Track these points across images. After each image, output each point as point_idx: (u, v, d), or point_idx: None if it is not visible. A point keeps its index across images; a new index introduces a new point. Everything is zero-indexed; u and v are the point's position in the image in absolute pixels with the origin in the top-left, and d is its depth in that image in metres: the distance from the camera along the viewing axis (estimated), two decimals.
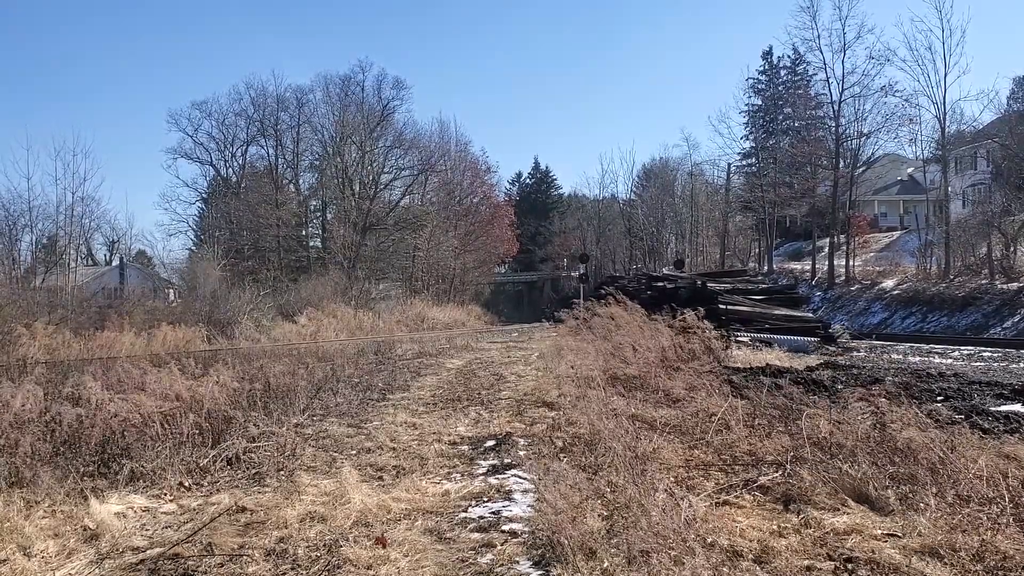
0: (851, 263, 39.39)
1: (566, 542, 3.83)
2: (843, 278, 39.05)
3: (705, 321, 14.74)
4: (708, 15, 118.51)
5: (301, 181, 57.23)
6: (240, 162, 56.18)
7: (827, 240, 42.41)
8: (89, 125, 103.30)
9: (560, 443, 6.73)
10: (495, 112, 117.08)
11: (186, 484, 5.74)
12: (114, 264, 49.40)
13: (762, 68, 62.51)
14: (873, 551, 3.78)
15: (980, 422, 7.00)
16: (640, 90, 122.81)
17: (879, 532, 4.08)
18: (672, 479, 5.28)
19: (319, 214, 57.45)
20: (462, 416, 8.82)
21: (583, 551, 3.78)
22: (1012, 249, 30.09)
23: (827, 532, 4.11)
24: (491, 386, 11.70)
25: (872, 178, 48.13)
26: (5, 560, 4.07)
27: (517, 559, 3.97)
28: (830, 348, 18.57)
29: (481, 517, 4.78)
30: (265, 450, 6.55)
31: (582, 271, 37.38)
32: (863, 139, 41.06)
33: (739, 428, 6.56)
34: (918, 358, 16.07)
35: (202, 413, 6.95)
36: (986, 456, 4.80)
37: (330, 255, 46.75)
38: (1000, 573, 3.51)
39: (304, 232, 55.67)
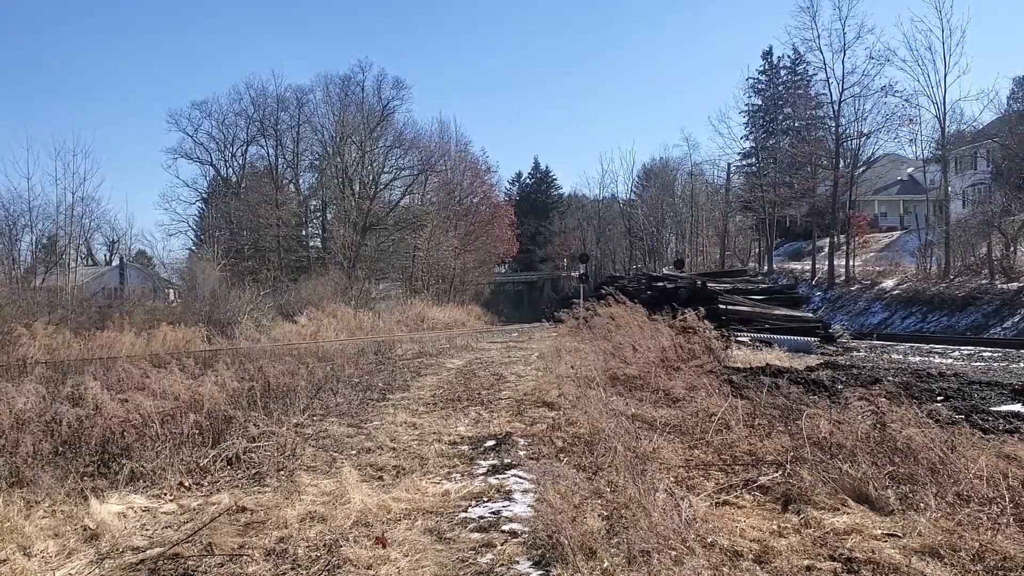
0: (851, 263, 39.39)
1: (566, 542, 3.83)
2: (843, 278, 39.05)
3: (705, 321, 14.74)
4: (708, 15, 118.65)
5: (301, 181, 57.29)
6: (240, 162, 56.19)
7: (827, 240, 42.40)
8: (89, 125, 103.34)
9: (560, 443, 6.74)
10: (495, 112, 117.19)
11: (186, 484, 5.74)
12: (114, 264, 49.38)
13: (762, 68, 62.57)
14: (873, 551, 3.78)
15: (980, 422, 7.00)
16: (640, 90, 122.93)
17: (879, 532, 4.08)
18: (672, 479, 5.28)
19: (319, 214, 57.45)
20: (462, 416, 8.82)
21: (583, 551, 3.78)
22: (1012, 249, 30.09)
23: (827, 532, 4.11)
24: (491, 386, 11.70)
25: (872, 178, 48.11)
26: (5, 560, 4.07)
27: (517, 559, 3.97)
28: (830, 348, 18.57)
29: (481, 517, 4.78)
30: (265, 450, 6.55)
31: (582, 271, 37.34)
32: (863, 139, 41.10)
33: (739, 428, 6.56)
34: (918, 358, 16.07)
35: (202, 413, 6.96)
36: (986, 456, 4.80)
37: (330, 255, 46.73)
38: (1000, 573, 3.51)
39: (304, 232, 55.64)
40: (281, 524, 4.62)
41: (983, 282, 29.24)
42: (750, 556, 3.81)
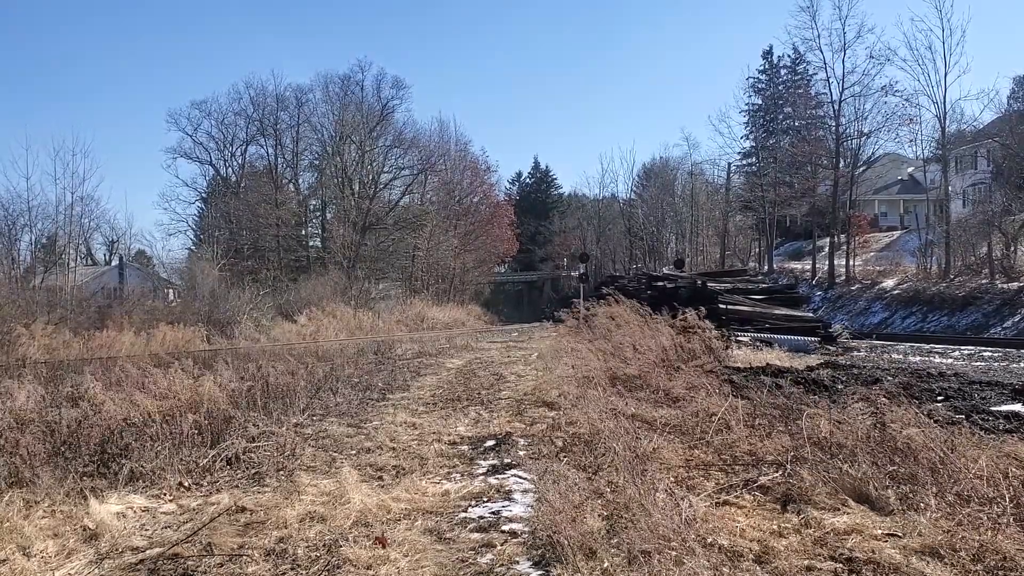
0: (851, 263, 39.38)
1: (566, 542, 3.82)
2: (843, 278, 39.04)
3: (705, 321, 14.74)
4: (708, 15, 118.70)
5: (301, 181, 57.29)
6: (240, 162, 56.21)
7: (827, 240, 42.40)
8: (89, 125, 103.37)
9: (560, 443, 6.73)
10: (495, 112, 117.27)
11: (186, 484, 5.73)
12: (113, 264, 49.37)
13: (762, 68, 62.58)
14: (873, 551, 3.77)
15: (980, 422, 6.99)
16: (640, 90, 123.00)
17: (879, 532, 4.08)
18: (672, 479, 5.28)
19: (319, 214, 57.43)
20: (462, 416, 8.81)
21: (583, 551, 3.78)
22: (1012, 249, 30.07)
23: (827, 532, 4.11)
24: (491, 386, 11.69)
25: (872, 178, 48.08)
26: (5, 560, 4.06)
27: (517, 559, 3.97)
28: (830, 348, 18.57)
29: (481, 517, 4.77)
30: (265, 450, 6.55)
31: (582, 271, 37.30)
32: (863, 139, 41.07)
33: (739, 428, 6.56)
34: (918, 358, 16.07)
35: (202, 413, 6.95)
36: (986, 456, 4.79)
37: (330, 255, 46.70)
38: (1000, 573, 3.50)
39: (304, 232, 55.63)
40: (281, 524, 4.61)
41: (983, 282, 29.23)
42: (750, 556, 3.81)
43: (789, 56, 59.13)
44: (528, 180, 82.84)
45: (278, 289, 35.99)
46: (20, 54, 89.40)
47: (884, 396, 6.43)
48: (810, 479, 4.86)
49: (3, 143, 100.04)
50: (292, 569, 3.91)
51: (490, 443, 7.12)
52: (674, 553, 3.60)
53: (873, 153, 42.73)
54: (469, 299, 52.51)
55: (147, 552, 4.23)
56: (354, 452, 6.87)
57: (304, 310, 28.01)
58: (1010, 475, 4.55)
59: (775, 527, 4.27)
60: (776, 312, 20.37)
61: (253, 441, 6.73)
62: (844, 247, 40.65)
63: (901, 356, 16.69)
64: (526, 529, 4.45)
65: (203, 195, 56.58)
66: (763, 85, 61.95)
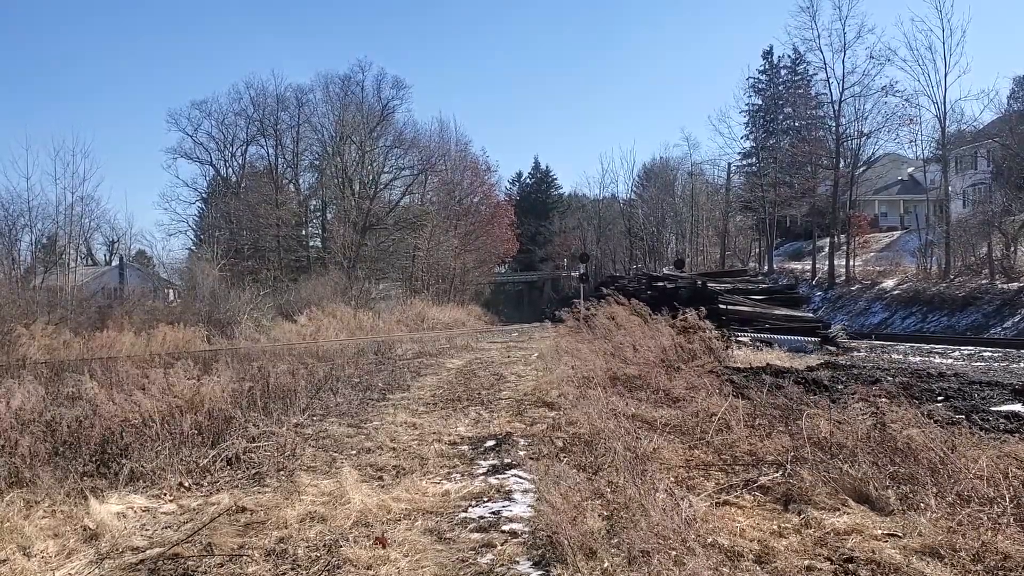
0: (851, 263, 39.38)
1: (566, 542, 3.82)
2: (843, 278, 39.04)
3: (705, 321, 14.74)
4: (708, 15, 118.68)
5: (301, 181, 57.29)
6: (240, 162, 56.18)
7: (827, 240, 42.39)
8: (89, 125, 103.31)
9: (560, 443, 6.73)
10: (495, 112, 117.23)
11: (186, 484, 5.73)
12: (114, 264, 49.37)
13: (762, 68, 62.54)
14: (873, 551, 3.78)
15: (980, 422, 6.99)
16: (640, 90, 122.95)
17: (879, 532, 4.08)
18: (672, 479, 5.28)
19: (319, 214, 57.45)
20: (462, 416, 8.81)
21: (583, 551, 3.78)
22: (1012, 249, 30.06)
23: (827, 532, 4.11)
24: (491, 386, 11.70)
25: (872, 178, 48.09)
26: (5, 560, 4.07)
27: (517, 559, 3.97)
28: (830, 348, 18.56)
29: (481, 517, 4.78)
30: (265, 450, 6.55)
31: (582, 271, 37.28)
32: (863, 139, 41.06)
33: (739, 428, 6.56)
34: (918, 358, 16.07)
35: (202, 413, 6.96)
36: (986, 456, 4.79)
37: (330, 255, 46.71)
38: (1000, 573, 3.50)
39: (304, 232, 55.63)
40: (281, 524, 4.61)
41: (983, 282, 29.23)
42: (750, 556, 3.81)
43: (789, 56, 59.20)
44: (528, 180, 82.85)
45: (278, 289, 36.00)
46: (20, 54, 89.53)
47: (884, 396, 6.43)
48: (810, 479, 4.86)
49: (3, 143, 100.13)
50: (292, 569, 3.92)
51: (490, 443, 7.13)
52: (674, 553, 3.60)
53: (873, 153, 42.78)
54: (469, 299, 52.51)
55: (147, 552, 4.24)
56: (354, 452, 6.87)
57: (304, 310, 28.00)
58: (1010, 475, 4.55)
59: (775, 527, 4.27)
60: (776, 312, 20.36)
61: (253, 441, 6.73)
62: (844, 247, 40.65)
63: (901, 356, 16.69)
64: (526, 529, 4.45)
65: (203, 195, 56.62)
66: (763, 85, 61.94)
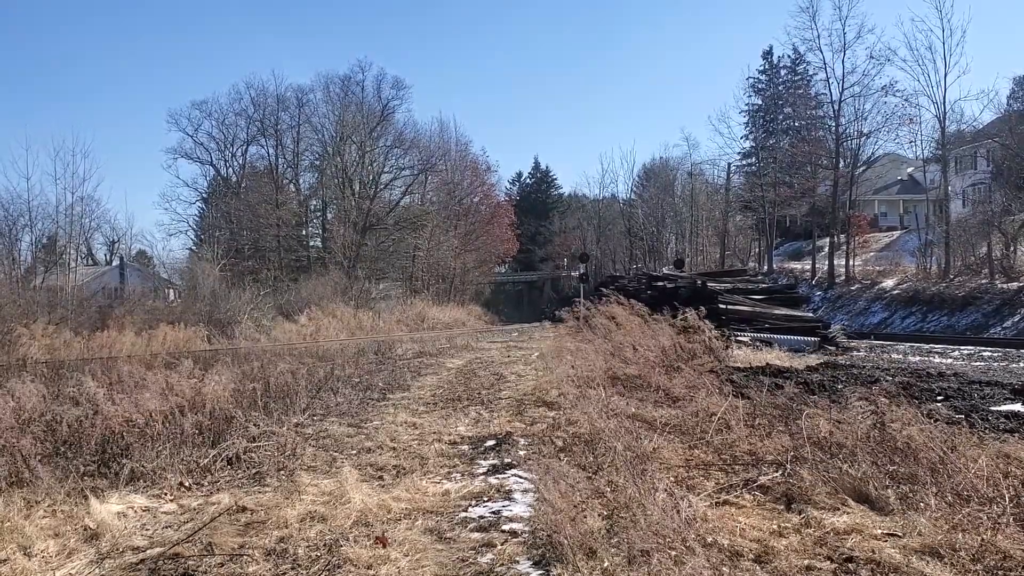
0: (851, 263, 39.39)
1: (566, 542, 3.83)
2: (843, 278, 39.05)
3: (705, 321, 14.73)
4: (708, 15, 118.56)
5: (301, 181, 57.28)
6: (240, 162, 56.17)
7: (827, 240, 42.40)
8: (89, 125, 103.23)
9: (560, 443, 6.74)
10: (495, 112, 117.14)
11: (186, 484, 5.74)
12: (114, 264, 49.35)
13: (762, 68, 62.50)
14: (873, 551, 3.78)
15: (980, 422, 7.00)
16: (640, 90, 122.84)
17: (879, 532, 4.08)
18: (672, 479, 5.28)
19: (319, 214, 57.47)
20: (462, 416, 8.82)
21: (583, 551, 3.78)
22: (1012, 249, 30.07)
23: (827, 532, 4.11)
24: (491, 386, 11.70)
25: (872, 178, 48.08)
26: (5, 560, 4.07)
27: (517, 559, 3.97)
28: (830, 348, 18.57)
29: (481, 517, 4.78)
30: (265, 450, 6.56)
31: (582, 271, 37.27)
32: (863, 139, 41.06)
33: (739, 428, 6.56)
34: (918, 358, 16.07)
35: (202, 413, 6.96)
36: (986, 456, 4.79)
37: (330, 255, 46.71)
38: (1000, 573, 3.51)
39: (304, 232, 55.65)
40: (281, 524, 4.62)
41: (983, 282, 29.23)
42: (750, 556, 3.81)
43: (789, 56, 59.17)
44: (528, 180, 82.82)
45: (278, 289, 36.02)
46: (20, 54, 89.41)
47: (884, 396, 6.43)
48: (810, 479, 4.87)
49: (3, 143, 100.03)
50: (292, 569, 3.92)
51: (490, 443, 7.13)
52: (674, 553, 3.61)
53: (873, 153, 42.78)
54: (469, 299, 52.50)
55: (148, 552, 4.24)
56: (354, 452, 6.88)
57: (304, 310, 28.02)
58: (1010, 475, 4.56)
59: (775, 527, 4.28)
60: (776, 312, 20.37)
61: (254, 441, 6.73)
62: (844, 247, 40.65)
63: (901, 356, 16.70)
64: (526, 529, 4.45)
65: (204, 195, 56.60)
66: (763, 85, 61.91)
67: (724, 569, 3.59)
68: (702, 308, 15.29)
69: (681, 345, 13.15)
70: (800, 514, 4.46)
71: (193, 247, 51.17)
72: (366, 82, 53.48)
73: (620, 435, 6.13)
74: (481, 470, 6.09)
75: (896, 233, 50.13)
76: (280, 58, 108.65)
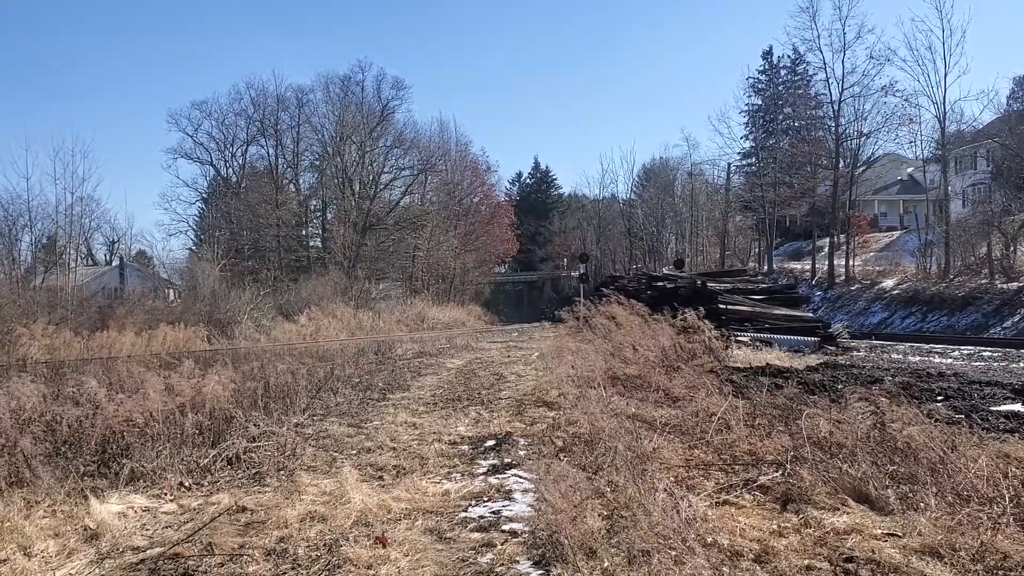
0: (851, 263, 39.39)
1: (566, 542, 3.83)
2: (843, 278, 39.05)
3: (705, 321, 14.74)
4: (708, 15, 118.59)
5: (301, 181, 57.29)
6: (240, 162, 56.17)
7: (827, 240, 42.40)
8: (89, 125, 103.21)
9: (560, 443, 6.74)
10: (495, 112, 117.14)
11: (186, 484, 5.74)
12: (114, 264, 49.37)
13: (762, 68, 62.49)
14: (873, 551, 3.78)
15: (980, 422, 7.00)
16: (640, 90, 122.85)
17: (879, 532, 4.08)
18: (672, 479, 5.28)
19: (319, 214, 57.46)
20: (462, 416, 8.82)
21: (583, 551, 3.78)
22: (1012, 249, 30.08)
23: (827, 532, 4.11)
24: (491, 386, 11.70)
25: (872, 178, 48.09)
26: (5, 560, 4.07)
27: (517, 559, 3.97)
28: (830, 348, 18.56)
29: (481, 517, 4.78)
30: (265, 450, 6.56)
31: (582, 271, 37.28)
32: (863, 139, 41.08)
33: (739, 428, 6.56)
34: (918, 358, 16.07)
35: (202, 413, 6.96)
36: (986, 456, 4.79)
37: (330, 255, 46.71)
38: (1000, 573, 3.51)
39: (304, 232, 55.64)
40: (281, 524, 4.62)
41: (983, 282, 29.24)
42: (750, 556, 3.81)
43: (789, 56, 59.17)
44: (528, 180, 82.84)
45: (278, 289, 36.02)
46: (20, 54, 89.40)
47: (884, 396, 6.43)
48: (810, 479, 4.87)
49: (3, 143, 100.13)
50: (292, 569, 3.92)
51: (490, 443, 7.13)
52: (674, 553, 3.61)
53: (873, 153, 42.80)
54: (469, 299, 52.50)
55: (148, 552, 4.24)
56: (354, 452, 6.88)
57: (304, 310, 28.02)
58: (1010, 475, 4.56)
59: (775, 527, 4.28)
60: (776, 312, 20.37)
61: (254, 441, 6.73)
62: (844, 247, 40.66)
63: (901, 356, 16.70)
64: (526, 529, 4.45)
65: (204, 195, 56.60)
66: (763, 85, 61.91)
67: (724, 569, 3.59)
68: (702, 308, 15.31)
69: (681, 345, 13.16)
70: (800, 514, 4.46)
71: (193, 247, 51.21)
72: (366, 82, 53.57)
73: (620, 435, 6.12)
74: (481, 470, 6.09)
75: (896, 233, 50.13)
76: (280, 58, 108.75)
